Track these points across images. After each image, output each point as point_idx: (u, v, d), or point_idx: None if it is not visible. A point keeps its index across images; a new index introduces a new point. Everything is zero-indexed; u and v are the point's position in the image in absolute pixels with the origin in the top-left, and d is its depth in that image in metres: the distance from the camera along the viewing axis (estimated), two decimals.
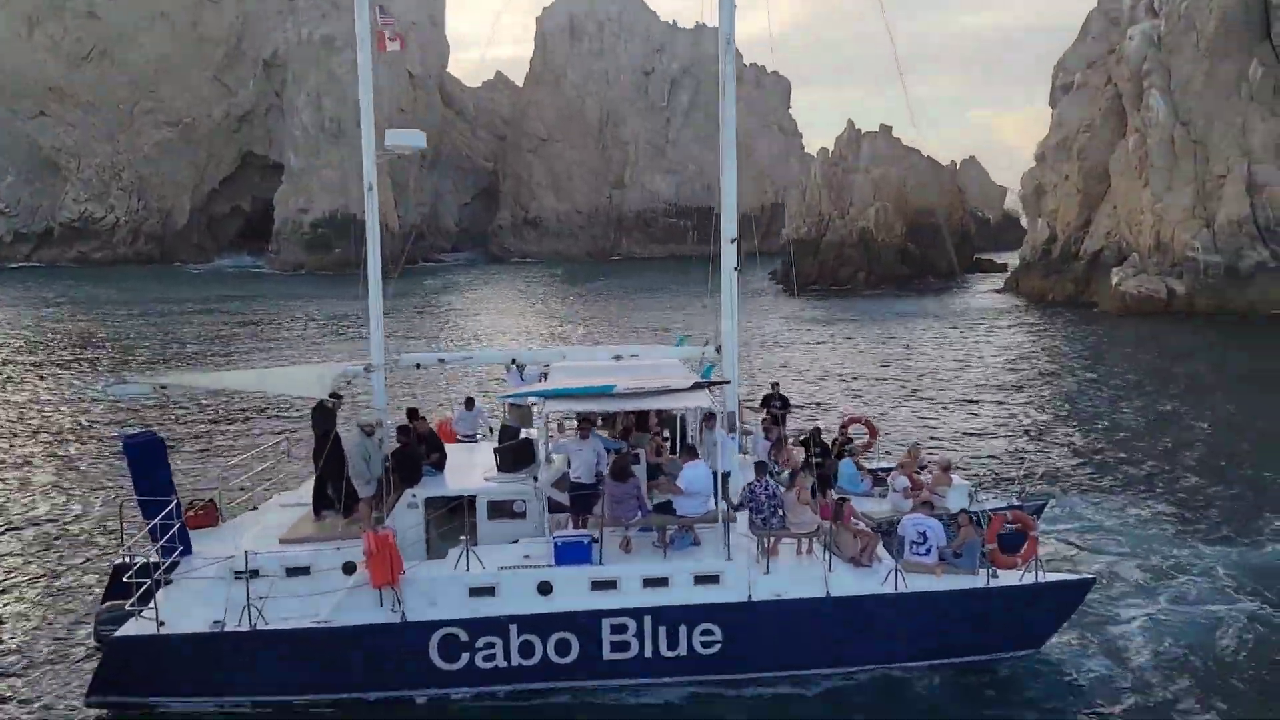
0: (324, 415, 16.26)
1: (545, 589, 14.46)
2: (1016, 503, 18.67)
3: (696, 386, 16.33)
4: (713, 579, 14.80)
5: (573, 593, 14.47)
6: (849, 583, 15.08)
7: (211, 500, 17.06)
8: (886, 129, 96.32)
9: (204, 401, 34.65)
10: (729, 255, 17.97)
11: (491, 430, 20.28)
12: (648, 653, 14.52)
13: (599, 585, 14.59)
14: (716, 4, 17.31)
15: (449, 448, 17.81)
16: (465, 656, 14.23)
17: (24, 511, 23.18)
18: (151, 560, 14.34)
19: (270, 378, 21.62)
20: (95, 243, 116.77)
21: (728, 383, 17.10)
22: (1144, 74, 63.14)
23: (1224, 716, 13.75)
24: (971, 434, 30.11)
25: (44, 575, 19.16)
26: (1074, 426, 30.94)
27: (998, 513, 16.67)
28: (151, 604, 13.87)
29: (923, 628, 15.13)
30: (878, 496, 18.88)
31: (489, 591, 14.41)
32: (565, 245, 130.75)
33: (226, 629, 13.84)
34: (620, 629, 14.45)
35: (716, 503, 15.31)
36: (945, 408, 34.10)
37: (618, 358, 18.23)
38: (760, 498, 15.38)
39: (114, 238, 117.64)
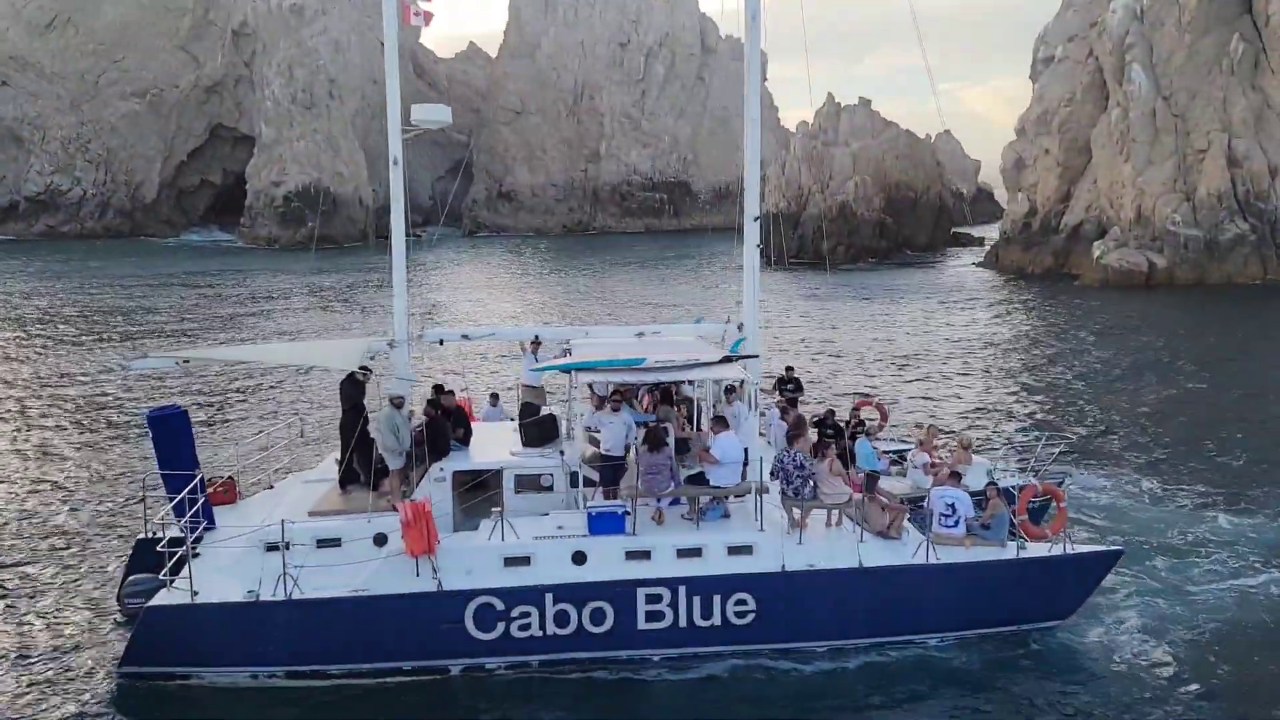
0: (355, 388, 16.27)
1: (580, 559, 14.50)
2: (1034, 481, 18.74)
3: (726, 360, 16.23)
4: (746, 549, 14.84)
5: (607, 563, 14.53)
6: (881, 554, 15.13)
7: (231, 478, 17.12)
8: (865, 102, 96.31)
9: (212, 381, 34.20)
10: (751, 232, 17.86)
11: (513, 418, 20.21)
12: (682, 622, 14.59)
13: (633, 555, 14.65)
14: None
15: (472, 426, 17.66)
16: (501, 625, 14.26)
17: (45, 486, 23.06)
18: (178, 533, 14.35)
19: (298, 351, 21.38)
20: (62, 216, 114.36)
21: (756, 357, 17.02)
22: (1126, 48, 63.44)
23: (1251, 686, 13.88)
24: (975, 411, 30.22)
25: (66, 548, 19.05)
26: (1077, 402, 31.13)
27: (1028, 485, 16.71)
28: (185, 574, 13.83)
29: (953, 598, 15.21)
30: (895, 475, 18.94)
31: (524, 561, 14.45)
32: (540, 220, 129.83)
33: (262, 598, 13.84)
34: (655, 599, 14.51)
35: (749, 474, 15.25)
36: (942, 384, 34.22)
37: (640, 334, 18.18)
38: (789, 468, 15.35)
39: (81, 211, 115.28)
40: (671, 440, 16.15)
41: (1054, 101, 71.54)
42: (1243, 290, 56.04)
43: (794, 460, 15.30)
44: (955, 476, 16.41)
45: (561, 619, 14.34)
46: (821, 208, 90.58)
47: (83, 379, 35.29)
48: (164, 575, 14.09)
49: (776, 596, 14.71)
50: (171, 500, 15.38)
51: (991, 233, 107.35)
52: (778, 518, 15.34)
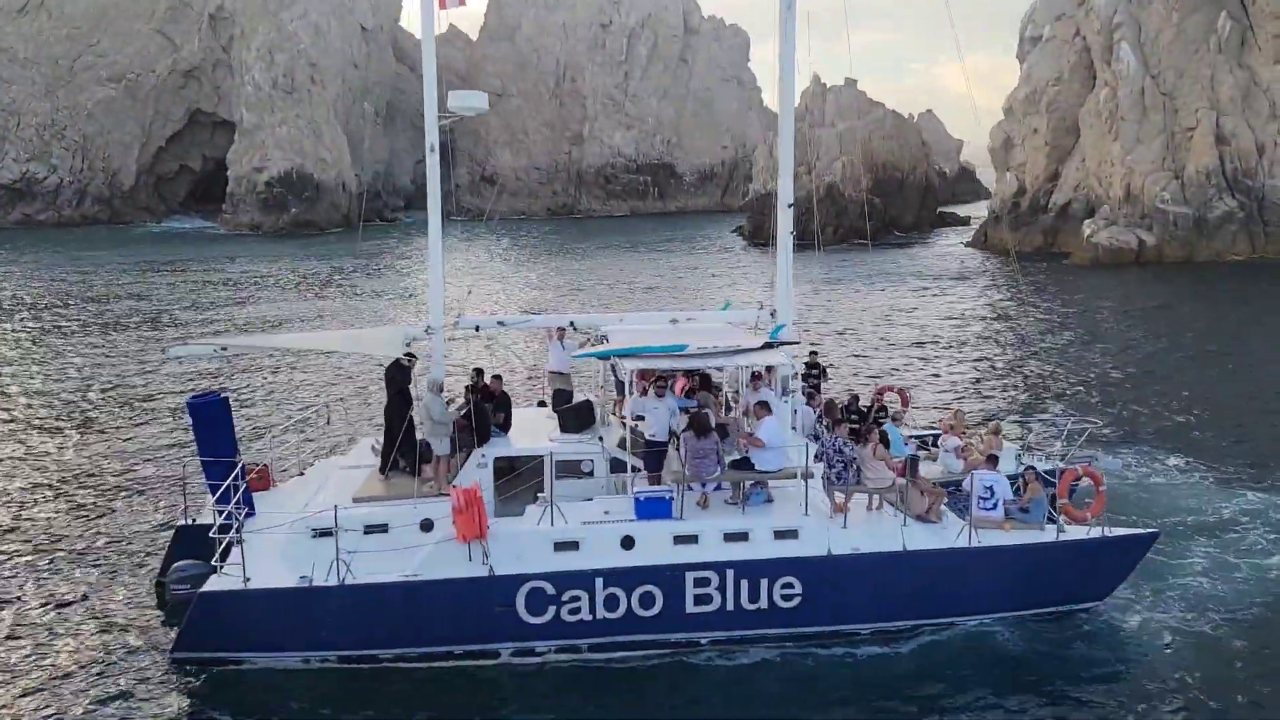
0: (401, 374, 16.35)
1: (628, 544, 14.61)
2: (1061, 465, 18.87)
3: (767, 346, 16.28)
4: (791, 534, 14.95)
5: (655, 547, 14.64)
6: (923, 537, 15.26)
7: (265, 465, 17.09)
8: (852, 82, 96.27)
9: (236, 367, 34.01)
10: (785, 220, 17.85)
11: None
12: (729, 606, 14.73)
13: (681, 540, 14.77)
14: None
15: None
16: (551, 609, 14.37)
17: (81, 473, 23.07)
18: (221, 519, 14.44)
19: (340, 339, 21.36)
20: (39, 204, 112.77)
21: (797, 343, 17.06)
22: (1114, 27, 63.69)
23: None
24: (986, 392, 30.42)
25: (105, 536, 19.06)
26: (1089, 382, 31.30)
27: (1068, 469, 16.86)
28: (238, 560, 13.91)
29: (994, 580, 15.38)
30: (924, 459, 19.02)
31: (573, 546, 14.54)
32: (524, 203, 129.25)
33: (315, 584, 13.91)
34: (703, 582, 14.63)
35: (798, 458, 15.31)
36: (952, 366, 34.32)
37: (674, 320, 18.21)
38: (830, 453, 15.45)
39: (58, 199, 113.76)
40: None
41: (1041, 81, 71.77)
42: (1232, 267, 56.61)
43: (835, 445, 15.40)
44: (992, 460, 16.55)
45: (611, 603, 14.46)
46: (809, 189, 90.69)
47: (107, 367, 34.99)
48: (215, 562, 14.12)
49: (822, 580, 14.85)
50: (211, 486, 15.49)
51: (976, 212, 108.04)
52: (819, 502, 15.44)
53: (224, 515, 14.42)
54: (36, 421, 27.98)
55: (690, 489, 15.28)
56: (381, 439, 17.92)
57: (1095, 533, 15.59)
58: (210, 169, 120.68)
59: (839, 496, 15.52)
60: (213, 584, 13.99)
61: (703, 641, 14.78)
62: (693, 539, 14.76)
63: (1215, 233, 58.79)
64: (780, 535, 14.93)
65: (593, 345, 17.67)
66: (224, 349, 16.42)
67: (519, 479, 16.45)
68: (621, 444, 16.46)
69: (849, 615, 15.07)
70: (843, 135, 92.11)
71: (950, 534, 15.38)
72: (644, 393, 15.95)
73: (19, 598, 16.48)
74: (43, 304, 51.41)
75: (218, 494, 15.20)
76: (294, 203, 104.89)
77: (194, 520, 16.26)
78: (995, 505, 15.78)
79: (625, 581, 14.46)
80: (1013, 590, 15.46)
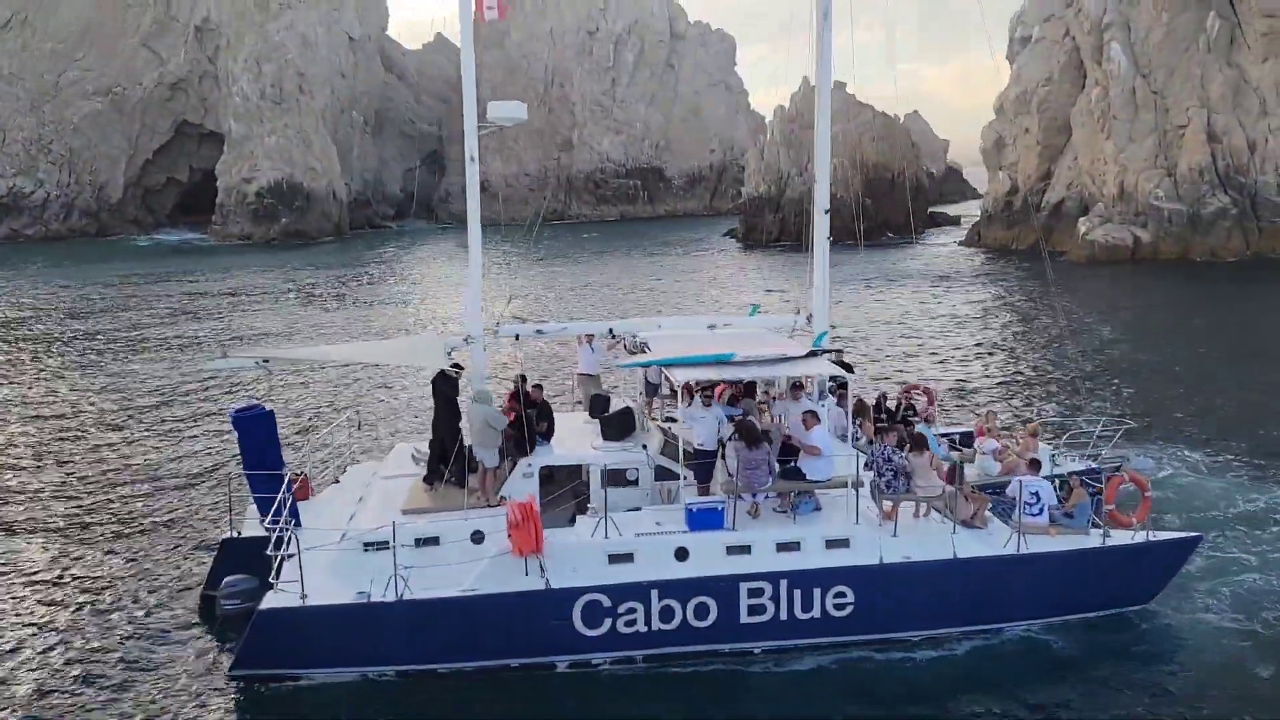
0: (449, 384, 16.32)
1: (682, 555, 14.66)
2: (1093, 465, 19.02)
3: (812, 354, 16.37)
4: (843, 543, 15.01)
5: (709, 558, 14.70)
6: (973, 545, 15.35)
7: (304, 474, 16.99)
8: (840, 85, 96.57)
9: (263, 378, 33.91)
10: (822, 225, 17.96)
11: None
12: (783, 615, 14.78)
13: (734, 550, 14.84)
14: None
15: None
16: (608, 622, 14.41)
17: (123, 485, 23.09)
18: (275, 534, 14.36)
19: (382, 350, 21.32)
20: (25, 219, 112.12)
21: (840, 351, 17.17)
22: (1104, 27, 64.22)
23: None
24: (1003, 391, 30.57)
25: (148, 550, 19.04)
26: (1104, 380, 31.38)
27: (1115, 475, 17.01)
28: (293, 576, 13.85)
29: (1042, 586, 15.46)
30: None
31: (628, 558, 14.58)
32: (514, 209, 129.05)
33: (373, 599, 13.91)
34: (757, 593, 14.67)
35: (848, 466, 15.39)
36: (964, 366, 34.42)
37: (712, 326, 18.27)
38: (879, 461, 15.55)
39: (45, 213, 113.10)
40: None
41: (1032, 81, 72.34)
42: (1228, 264, 57.09)
43: (885, 454, 15.50)
44: (1034, 465, 16.66)
45: (666, 614, 14.49)
46: (801, 191, 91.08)
47: (139, 382, 34.85)
48: (272, 579, 14.07)
49: (874, 589, 14.91)
50: (258, 499, 15.49)
51: (965, 211, 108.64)
52: (867, 509, 15.53)
53: (275, 529, 14.33)
54: (73, 436, 27.90)
55: (741, 498, 15.34)
56: (419, 446, 17.99)
57: (1140, 537, 15.73)
58: (197, 180, 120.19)
59: (886, 504, 15.62)
60: (270, 601, 13.95)
61: (755, 650, 14.88)
62: (745, 549, 14.82)
63: (1210, 229, 59.34)
64: (832, 544, 14.97)
65: (628, 351, 17.69)
66: (265, 361, 16.34)
67: (557, 487, 16.48)
68: (664, 451, 16.52)
69: (899, 623, 15.14)
70: (834, 137, 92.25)
71: (998, 540, 15.48)
72: (689, 401, 15.95)
73: (66, 611, 16.47)
74: (58, 317, 51.09)
75: (265, 507, 15.20)
76: (284, 213, 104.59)
77: (239, 533, 16.17)
78: (1041, 510, 15.91)
79: (680, 593, 14.50)
80: (1059, 596, 15.56)
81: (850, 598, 14.88)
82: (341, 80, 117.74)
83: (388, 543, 14.22)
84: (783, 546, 14.91)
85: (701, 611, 14.57)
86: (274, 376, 33.00)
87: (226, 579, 15.10)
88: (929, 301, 50.32)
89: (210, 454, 25.48)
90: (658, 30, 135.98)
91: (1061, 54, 70.62)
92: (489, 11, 16.51)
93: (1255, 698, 13.47)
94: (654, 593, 14.45)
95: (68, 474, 24.32)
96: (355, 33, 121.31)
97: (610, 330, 18.43)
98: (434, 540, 14.66)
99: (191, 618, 16.18)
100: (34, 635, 15.79)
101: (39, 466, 24.91)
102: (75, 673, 14.61)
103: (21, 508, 21.78)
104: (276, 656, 14.05)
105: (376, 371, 33.77)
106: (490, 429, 15.57)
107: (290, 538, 14.33)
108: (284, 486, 15.05)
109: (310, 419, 28.76)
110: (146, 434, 27.93)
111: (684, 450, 15.62)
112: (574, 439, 17.11)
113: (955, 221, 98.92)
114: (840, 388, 20.88)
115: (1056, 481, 16.70)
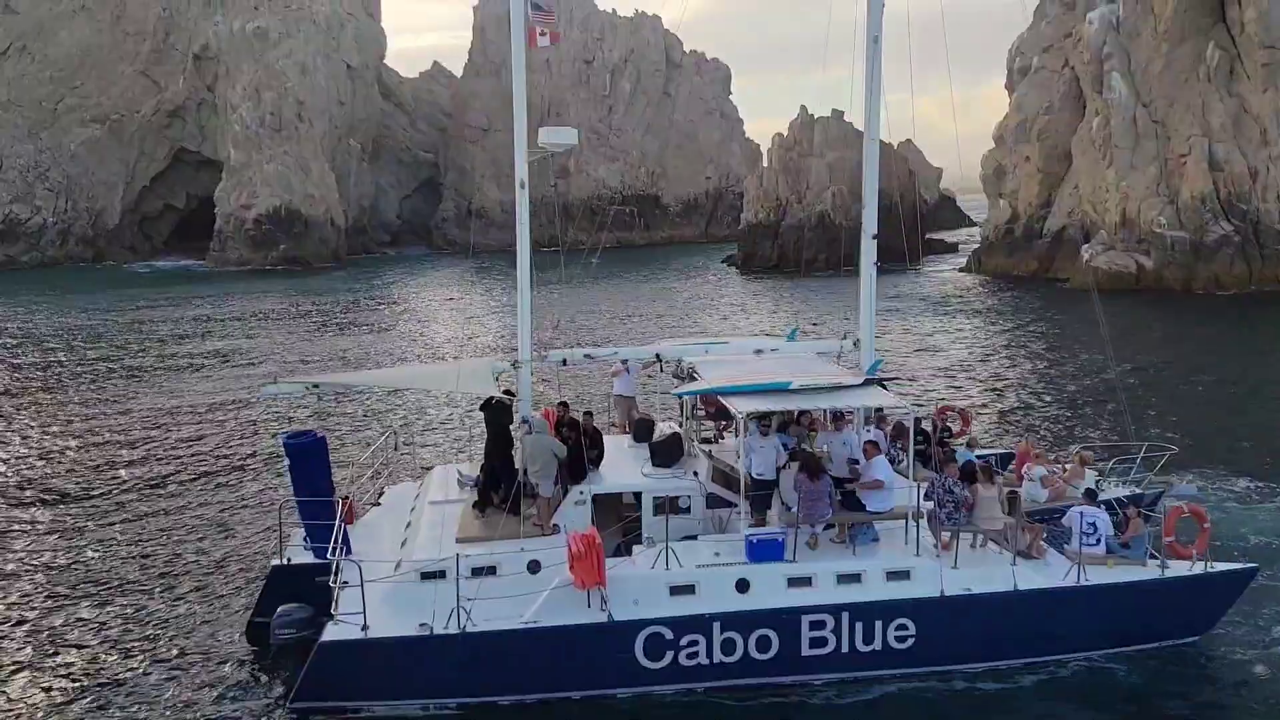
0: (502, 411, 16.22)
1: (743, 587, 14.52)
2: (1138, 491, 18.96)
3: (868, 383, 16.30)
4: (904, 574, 14.89)
5: (770, 590, 14.57)
6: (1033, 576, 15.25)
7: (349, 498, 16.67)
8: (839, 113, 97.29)
9: (302, 401, 33.74)
10: (869, 250, 17.97)
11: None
12: (844, 648, 14.64)
13: (795, 582, 14.70)
14: None
15: None
16: (669, 654, 14.25)
17: (167, 513, 22.97)
18: (334, 563, 14.20)
19: (434, 376, 21.20)
20: (22, 245, 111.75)
21: (896, 379, 17.10)
22: (1104, 57, 64.90)
23: None
24: (1032, 418, 30.45)
25: (200, 578, 18.87)
26: (1133, 407, 31.11)
27: (1174, 506, 16.96)
28: (353, 607, 13.63)
29: (1101, 618, 15.35)
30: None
31: (689, 590, 14.43)
32: (510, 236, 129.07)
33: (435, 632, 13.69)
34: (819, 625, 14.54)
35: (909, 498, 15.30)
36: (985, 393, 34.25)
37: (758, 351, 18.21)
38: (940, 493, 15.46)
39: (42, 240, 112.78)
40: None
41: (1032, 110, 72.97)
42: (1233, 295, 57.41)
43: (946, 485, 15.42)
44: (1090, 495, 16.60)
45: (728, 647, 14.34)
46: (800, 218, 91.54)
47: (173, 412, 34.51)
48: (333, 609, 13.83)
49: (935, 621, 14.79)
50: (308, 527, 15.34)
51: (961, 238, 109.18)
52: (925, 538, 15.43)
53: (332, 558, 14.18)
54: (113, 461, 27.78)
55: (800, 529, 15.22)
56: (463, 469, 17.87)
57: (1198, 568, 15.66)
58: (194, 207, 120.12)
59: (944, 535, 15.52)
60: (332, 633, 13.72)
61: (816, 683, 14.71)
62: (806, 581, 14.70)
63: (1213, 257, 59.71)
64: (893, 576, 14.86)
65: (675, 377, 17.59)
66: (316, 386, 16.19)
67: (601, 512, 16.31)
68: (717, 479, 16.38)
69: (960, 655, 15.02)
70: (832, 165, 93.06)
71: (1057, 572, 15.39)
72: (748, 430, 15.75)
73: (121, 639, 16.33)
74: (75, 342, 50.73)
75: (316, 534, 15.00)
76: (283, 239, 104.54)
77: (289, 560, 15.90)
78: (1098, 541, 15.83)
79: (742, 625, 14.36)
80: (1118, 627, 15.45)
81: (912, 630, 14.75)
82: (339, 108, 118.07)
83: (445, 573, 14.04)
84: (844, 578, 14.78)
85: (763, 644, 14.43)
86: (321, 400, 32.91)
87: (280, 608, 14.85)
88: (943, 327, 50.38)
89: (256, 479, 25.31)
90: (653, 59, 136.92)
91: (1061, 84, 71.32)
92: (541, 39, 16.50)
93: None
94: (716, 625, 14.31)
95: (107, 500, 24.11)
96: (353, 61, 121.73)
97: (657, 355, 18.35)
98: (491, 570, 14.50)
99: (241, 645, 15.95)
100: (86, 660, 15.63)
101: (75, 497, 24.65)
102: (126, 696, 14.48)
103: (59, 536, 21.54)
104: (338, 688, 13.84)
105: (412, 393, 33.60)
106: (554, 458, 15.41)
107: (345, 566, 14.15)
108: (339, 514, 14.89)
109: (345, 439, 28.53)
110: (185, 461, 27.68)
111: (744, 480, 15.48)
112: (623, 465, 16.96)
113: (953, 249, 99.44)
114: (880, 414, 20.88)
115: (1126, 514, 16.58)
